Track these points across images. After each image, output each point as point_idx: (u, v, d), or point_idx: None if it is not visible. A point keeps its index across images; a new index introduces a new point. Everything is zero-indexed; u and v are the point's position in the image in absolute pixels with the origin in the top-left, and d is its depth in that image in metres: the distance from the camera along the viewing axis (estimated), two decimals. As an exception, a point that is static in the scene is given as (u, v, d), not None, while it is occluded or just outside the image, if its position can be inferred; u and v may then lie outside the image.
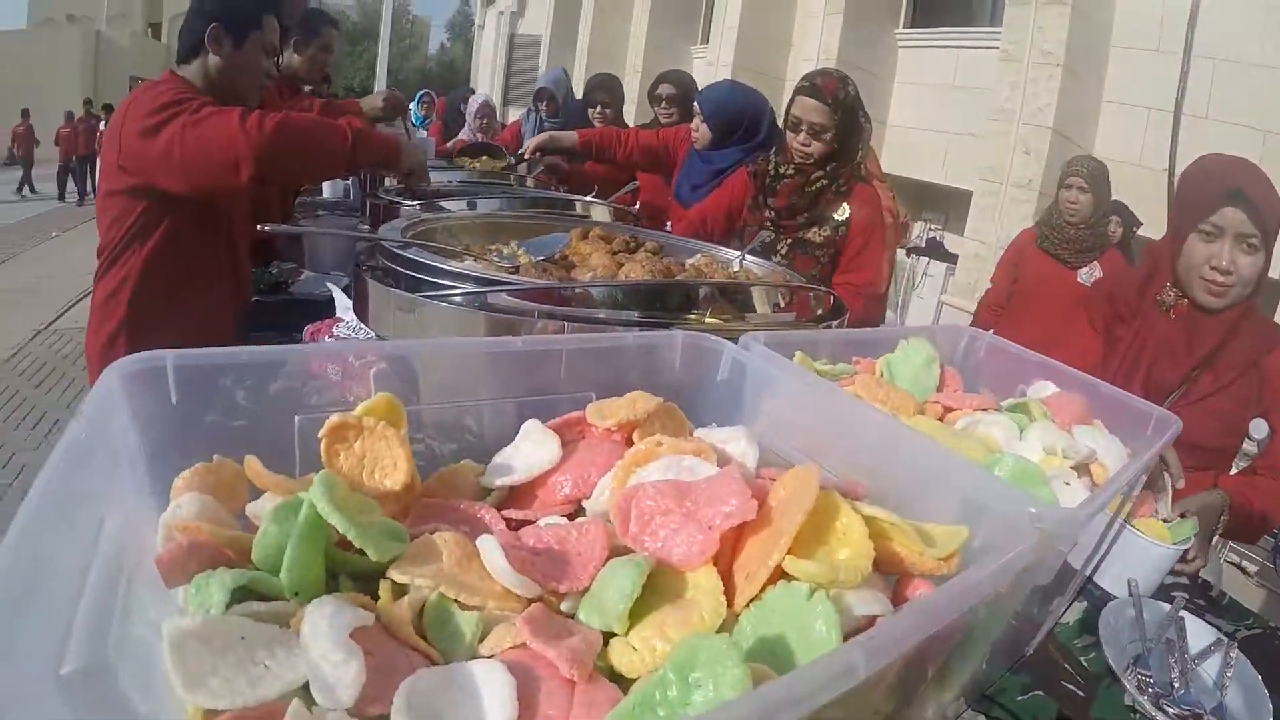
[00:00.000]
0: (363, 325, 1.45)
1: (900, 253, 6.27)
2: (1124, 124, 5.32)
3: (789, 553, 0.55)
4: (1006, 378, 1.26)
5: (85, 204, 14.78)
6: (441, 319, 1.16)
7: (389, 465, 0.67)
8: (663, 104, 3.71)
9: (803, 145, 2.29)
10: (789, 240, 2.39)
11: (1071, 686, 1.07)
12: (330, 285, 1.93)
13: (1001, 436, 0.95)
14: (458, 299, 1.16)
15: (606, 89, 4.13)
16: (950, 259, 6.61)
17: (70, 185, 16.43)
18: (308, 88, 3.29)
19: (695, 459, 0.67)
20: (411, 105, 7.51)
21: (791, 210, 2.36)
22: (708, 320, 1.21)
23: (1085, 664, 1.12)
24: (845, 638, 0.50)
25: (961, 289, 5.98)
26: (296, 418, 0.72)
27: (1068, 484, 0.84)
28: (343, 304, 1.75)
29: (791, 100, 2.32)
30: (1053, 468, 0.89)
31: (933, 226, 7.38)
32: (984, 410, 1.01)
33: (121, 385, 0.64)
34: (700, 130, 2.83)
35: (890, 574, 0.62)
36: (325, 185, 3.68)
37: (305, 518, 0.55)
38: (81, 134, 16.15)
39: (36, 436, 4.70)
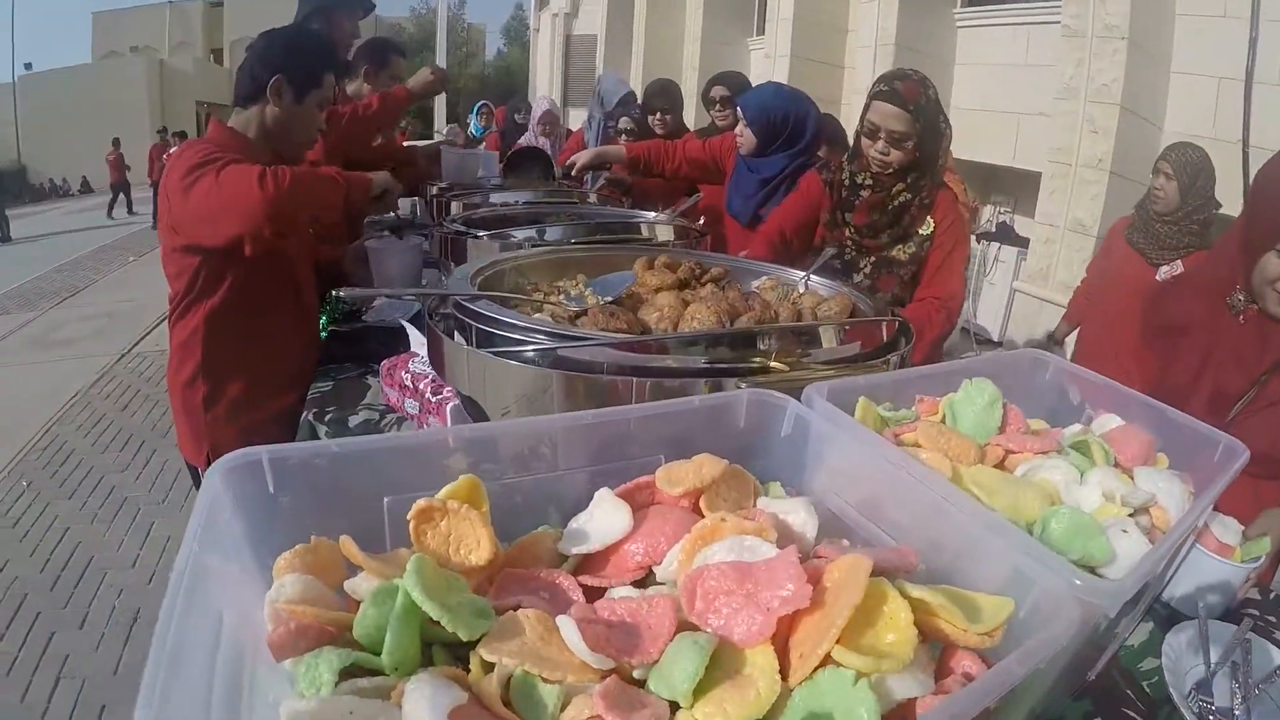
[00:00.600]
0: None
1: (970, 239, 6.16)
2: (1194, 96, 5.13)
3: (839, 640, 0.59)
4: (1072, 404, 1.27)
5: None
6: (512, 375, 1.23)
7: (473, 543, 0.73)
8: (717, 106, 3.75)
9: (881, 154, 2.15)
10: (872, 259, 2.28)
11: (1132, 714, 1.06)
12: (402, 321, 2.01)
13: (1061, 482, 0.96)
14: (528, 355, 1.22)
15: (665, 95, 4.14)
16: (1021, 243, 6.46)
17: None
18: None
19: (756, 539, 0.71)
20: (470, 116, 7.66)
21: (874, 229, 2.25)
22: (773, 365, 1.25)
23: (1148, 689, 1.10)
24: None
25: (1034, 274, 5.87)
26: (385, 499, 0.78)
27: (1125, 531, 0.84)
28: (416, 339, 1.81)
29: (867, 105, 2.18)
30: (1110, 515, 0.90)
31: (1002, 210, 7.24)
32: (1044, 454, 1.02)
33: (224, 480, 0.72)
34: (745, 135, 2.84)
35: (935, 642, 0.66)
36: (395, 205, 3.77)
37: (401, 605, 0.61)
38: (156, 160, 16.80)
39: (124, 459, 4.90)
